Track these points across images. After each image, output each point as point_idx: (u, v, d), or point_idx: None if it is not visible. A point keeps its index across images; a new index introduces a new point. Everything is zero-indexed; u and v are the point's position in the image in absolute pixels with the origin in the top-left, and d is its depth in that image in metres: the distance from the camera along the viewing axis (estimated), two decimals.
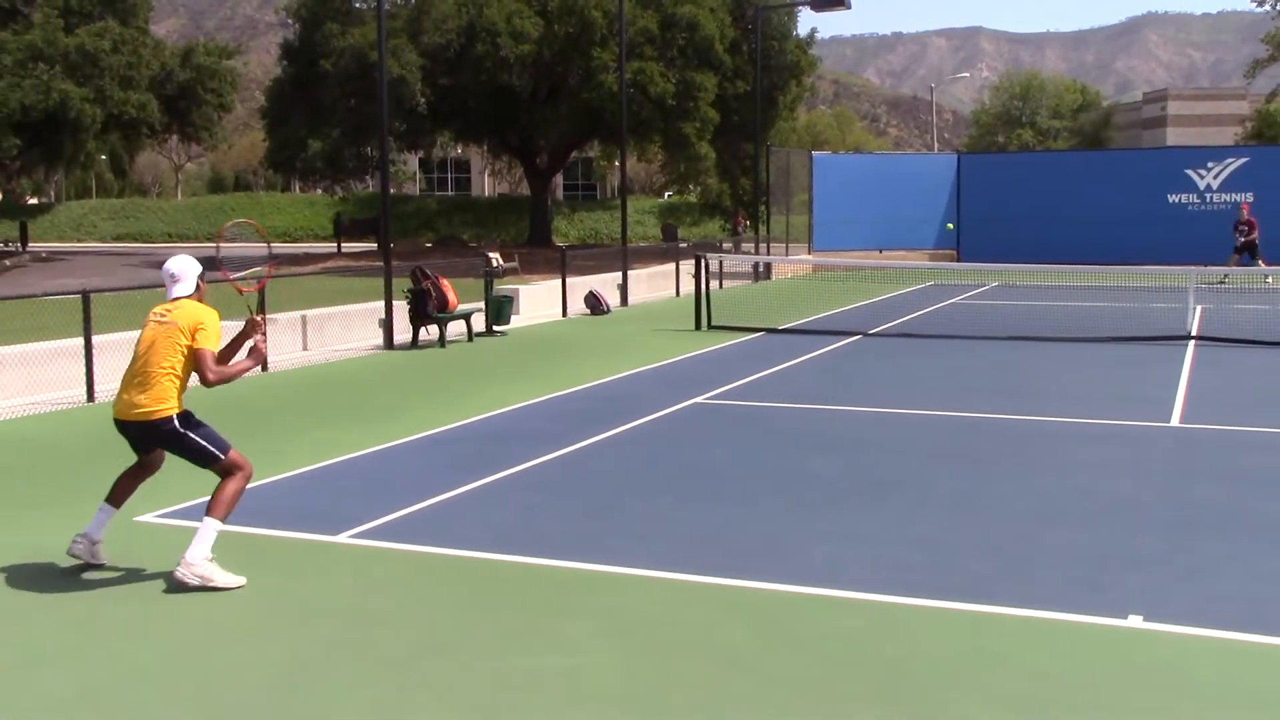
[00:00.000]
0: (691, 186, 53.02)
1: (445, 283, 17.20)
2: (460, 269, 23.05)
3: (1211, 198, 33.74)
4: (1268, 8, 49.58)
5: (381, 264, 17.73)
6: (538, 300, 22.13)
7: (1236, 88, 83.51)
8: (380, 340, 17.13)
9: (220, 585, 6.10)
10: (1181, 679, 4.95)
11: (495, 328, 18.60)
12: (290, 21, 45.26)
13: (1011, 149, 73.49)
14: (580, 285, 22.82)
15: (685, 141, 40.85)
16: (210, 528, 6.16)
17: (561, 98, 41.91)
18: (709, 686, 4.90)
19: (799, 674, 5.01)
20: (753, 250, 33.57)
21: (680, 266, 26.52)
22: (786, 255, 32.77)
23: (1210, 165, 34.07)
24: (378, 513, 7.53)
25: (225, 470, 6.29)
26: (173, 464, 6.60)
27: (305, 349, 16.52)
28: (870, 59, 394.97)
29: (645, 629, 5.56)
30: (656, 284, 27.37)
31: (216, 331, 6.29)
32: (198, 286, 6.43)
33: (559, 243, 46.92)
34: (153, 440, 6.34)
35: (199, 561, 6.10)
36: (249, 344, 6.47)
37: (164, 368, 6.17)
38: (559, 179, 64.53)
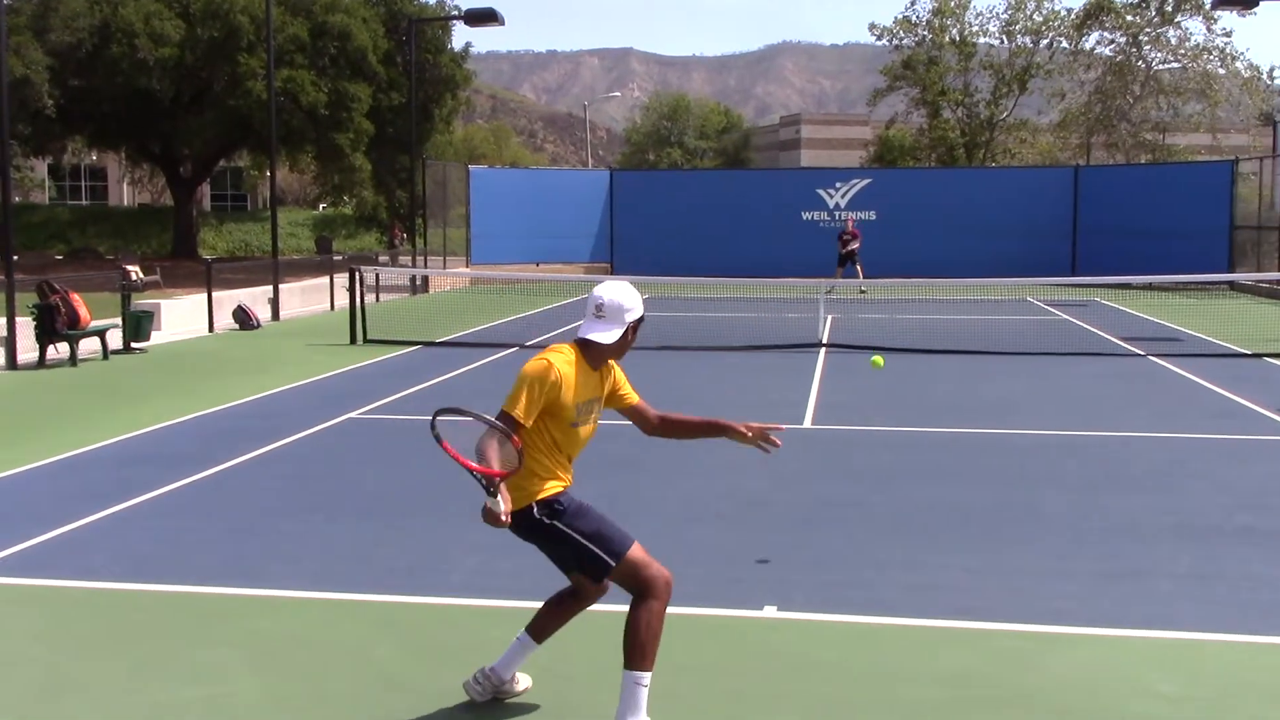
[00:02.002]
0: (346, 198, 51.90)
1: (76, 297, 16.07)
2: (96, 283, 21.61)
3: (841, 215, 36.29)
4: (885, 41, 53.88)
5: (3, 277, 16.36)
6: (182, 315, 21.04)
7: (861, 114, 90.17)
8: (2, 360, 15.81)
9: None
10: (813, 662, 5.31)
11: (134, 345, 17.54)
12: None
13: (662, 167, 76.35)
14: (229, 299, 21.89)
15: (339, 152, 40.01)
16: (640, 687, 4.51)
17: (206, 104, 40.08)
18: (357, 705, 4.83)
19: (448, 687, 5.02)
20: (410, 263, 33.28)
21: (335, 279, 25.94)
22: (444, 268, 32.68)
23: (839, 185, 36.70)
24: (0, 546, 6.96)
25: (637, 582, 4.63)
26: None
27: None
28: (526, 75, 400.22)
29: (294, 651, 5.42)
30: (310, 297, 26.64)
31: (520, 389, 4.61)
32: (624, 338, 4.72)
33: (205, 255, 44.80)
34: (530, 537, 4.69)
35: None
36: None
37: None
38: (205, 189, 61.56)
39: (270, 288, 23.46)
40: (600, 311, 4.65)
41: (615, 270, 35.47)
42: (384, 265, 31.52)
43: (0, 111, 16.79)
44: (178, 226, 47.51)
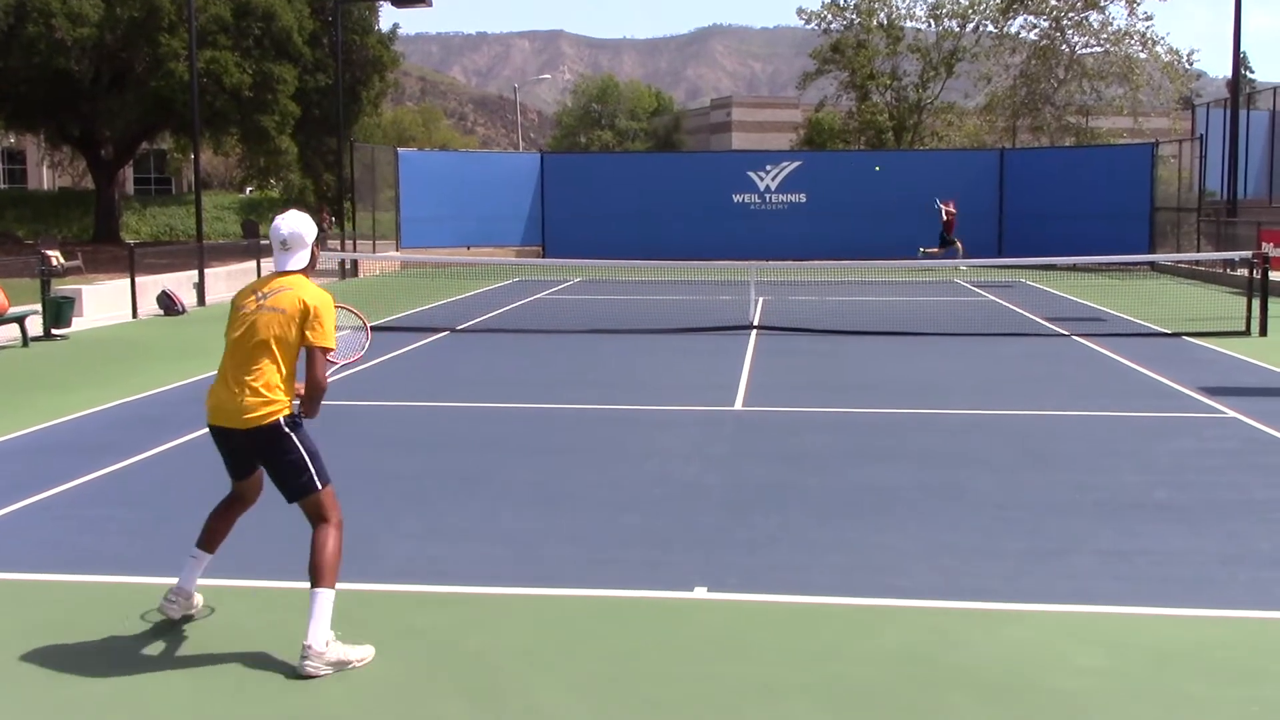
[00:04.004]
0: (273, 182, 51.21)
1: None
2: (14, 269, 21.14)
3: (771, 198, 36.46)
4: (814, 25, 54.12)
5: None
6: (104, 301, 20.63)
7: (791, 97, 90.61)
8: None
9: (355, 662, 4.99)
10: (742, 643, 5.34)
11: (54, 331, 17.18)
12: None
13: (593, 149, 76.18)
14: (153, 284, 21.49)
15: (264, 135, 39.41)
16: (326, 601, 5.01)
17: (127, 86, 39.24)
18: (284, 694, 4.78)
19: (383, 673, 4.98)
20: (339, 247, 32.91)
21: (262, 264, 25.56)
22: (374, 252, 32.35)
23: (769, 168, 36.85)
24: None
25: (319, 511, 5.22)
26: None
27: None
28: (456, 57, 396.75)
29: (221, 641, 5.34)
30: (237, 282, 26.19)
31: (333, 323, 5.28)
32: (312, 256, 5.32)
33: (129, 239, 43.93)
34: (251, 453, 5.26)
35: (330, 645, 4.94)
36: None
37: (274, 362, 5.14)
38: (128, 172, 60.33)
39: (195, 273, 23.08)
40: (286, 245, 5.26)
41: (547, 253, 35.34)
42: None
43: None
44: (99, 210, 46.54)
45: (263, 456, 5.28)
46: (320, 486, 5.25)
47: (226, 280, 25.74)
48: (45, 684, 4.89)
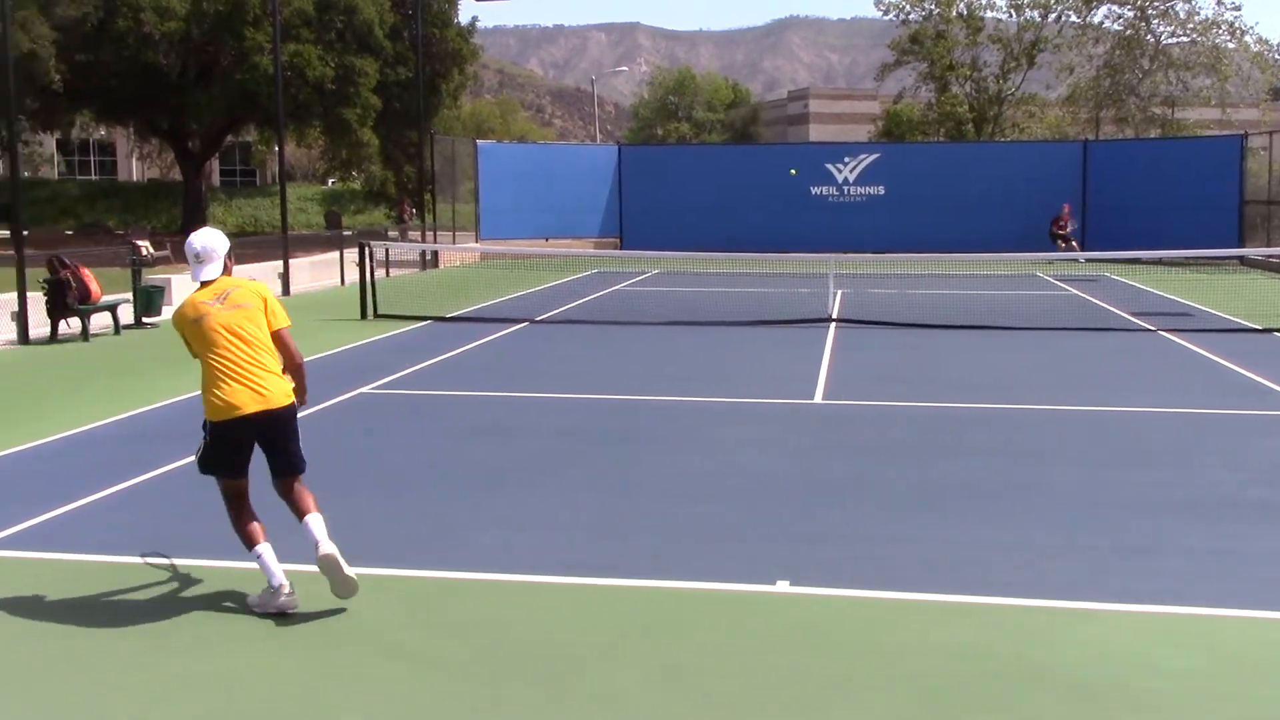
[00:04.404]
0: (355, 173, 51.87)
1: (86, 272, 16.12)
2: (106, 258, 21.61)
3: (849, 190, 36.17)
4: (892, 16, 53.53)
5: (13, 252, 16.38)
6: (192, 290, 21.03)
7: (869, 89, 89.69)
8: (14, 334, 15.85)
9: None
10: (823, 638, 5.33)
11: (145, 319, 17.59)
12: None
13: (670, 141, 76.14)
14: (239, 274, 21.85)
15: (346, 127, 39.91)
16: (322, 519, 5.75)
17: (213, 79, 39.97)
18: (370, 679, 4.86)
19: (463, 660, 5.05)
20: (419, 238, 33.25)
21: (345, 255, 25.91)
22: (454, 243, 32.64)
23: (847, 160, 36.53)
24: (9, 522, 6.99)
25: (299, 481, 5.92)
26: None
27: None
28: (533, 50, 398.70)
29: (306, 624, 5.45)
30: (320, 273, 26.64)
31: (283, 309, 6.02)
32: (226, 266, 5.98)
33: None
34: (281, 433, 5.78)
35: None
36: None
37: (270, 350, 5.79)
38: (215, 164, 61.48)
39: (280, 263, 23.47)
40: (200, 258, 5.92)
41: (625, 245, 35.38)
42: (394, 241, 31.49)
43: (7, 86, 16.79)
44: (187, 201, 47.50)
45: (279, 435, 5.77)
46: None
47: (310, 270, 26.14)
48: (138, 662, 5.02)
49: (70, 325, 16.13)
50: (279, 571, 5.59)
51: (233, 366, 5.65)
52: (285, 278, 23.31)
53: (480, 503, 7.56)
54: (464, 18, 44.93)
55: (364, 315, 18.36)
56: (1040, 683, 4.81)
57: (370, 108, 39.88)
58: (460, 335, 16.22)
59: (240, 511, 5.77)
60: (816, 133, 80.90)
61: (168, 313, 18.78)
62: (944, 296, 22.14)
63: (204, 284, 5.88)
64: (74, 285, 15.87)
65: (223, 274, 5.91)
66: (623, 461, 8.76)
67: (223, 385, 5.65)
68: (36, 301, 15.98)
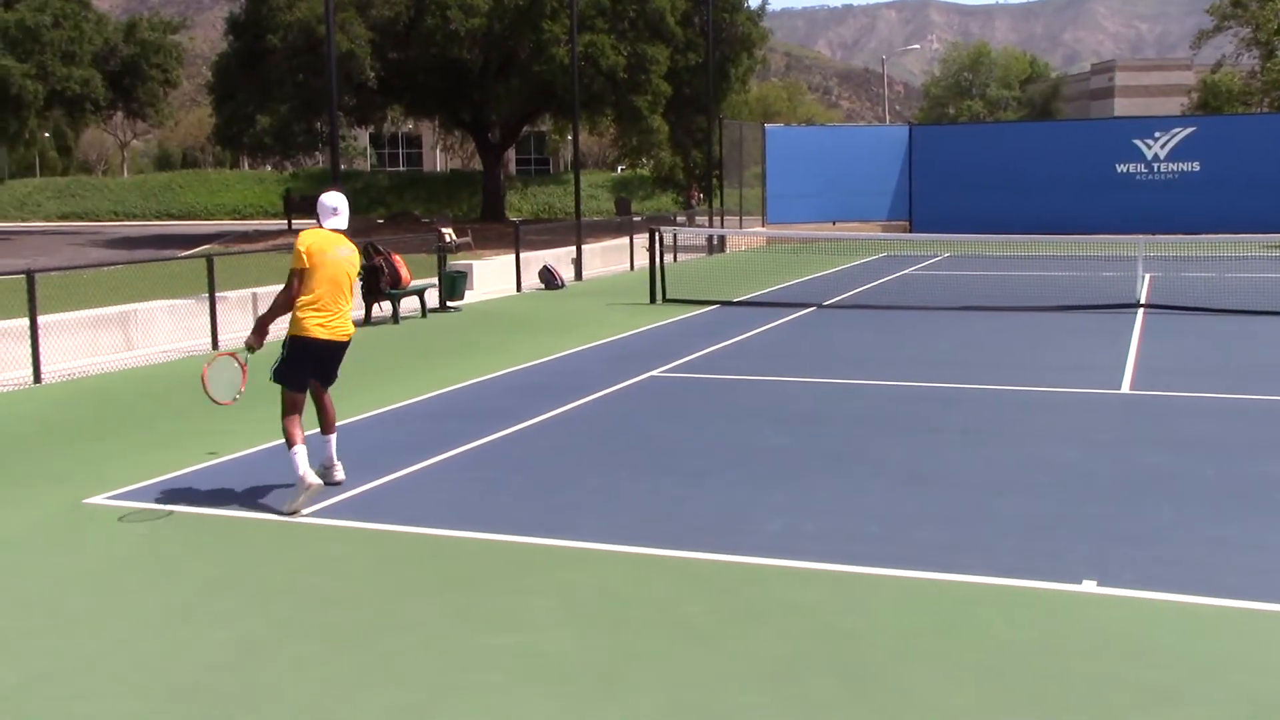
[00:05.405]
0: (644, 160, 52.81)
1: (398, 259, 17.06)
2: (413, 245, 22.83)
3: (1159, 167, 34.09)
4: None
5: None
6: (492, 275, 22.00)
7: (1182, 58, 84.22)
8: None
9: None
10: (1136, 643, 5.00)
11: (449, 304, 18.48)
12: None
13: (962, 120, 73.88)
14: (534, 260, 22.71)
15: (637, 115, 40.68)
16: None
17: (513, 71, 41.59)
18: (666, 661, 4.89)
19: (757, 647, 5.01)
20: (706, 223, 33.54)
21: (634, 240, 26.45)
22: (740, 228, 32.76)
23: (1158, 135, 34.42)
24: (334, 491, 7.46)
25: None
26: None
27: None
28: (821, 31, 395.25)
29: (601, 604, 5.54)
30: (610, 258, 27.30)
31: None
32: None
33: (512, 217, 46.65)
34: (339, 358, 7.56)
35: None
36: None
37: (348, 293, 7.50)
38: (511, 153, 64.06)
39: (573, 248, 24.16)
40: (337, 212, 7.49)
41: (915, 228, 34.56)
42: (682, 226, 31.89)
43: (331, 84, 17.96)
44: (486, 190, 49.67)
45: (339, 358, 7.57)
46: None
47: (601, 256, 26.83)
48: (446, 630, 5.23)
49: (382, 309, 17.12)
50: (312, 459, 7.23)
51: (327, 302, 7.26)
52: (578, 263, 23.98)
53: (770, 488, 7.51)
54: (753, 1, 44.89)
55: (653, 299, 18.65)
56: None
57: (660, 94, 40.50)
58: (748, 319, 16.24)
59: (294, 417, 7.21)
60: (1122, 107, 76.69)
61: (469, 297, 19.68)
62: (1266, 280, 20.52)
63: (333, 230, 7.43)
64: (387, 271, 16.82)
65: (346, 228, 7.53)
66: (916, 450, 8.51)
67: (319, 319, 7.23)
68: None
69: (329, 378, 7.58)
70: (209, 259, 14.68)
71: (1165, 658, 4.84)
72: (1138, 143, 34.35)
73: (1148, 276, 19.08)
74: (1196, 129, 34.79)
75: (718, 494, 7.41)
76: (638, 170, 60.30)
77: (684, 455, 8.47)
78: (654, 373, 11.97)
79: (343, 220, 7.49)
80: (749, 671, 4.77)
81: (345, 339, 7.44)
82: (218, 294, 14.55)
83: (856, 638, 5.08)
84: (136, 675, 4.81)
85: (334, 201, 7.48)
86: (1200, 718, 4.31)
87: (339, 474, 7.61)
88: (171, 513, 7.07)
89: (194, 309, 15.01)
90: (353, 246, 7.54)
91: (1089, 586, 5.63)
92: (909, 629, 5.17)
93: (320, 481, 7.13)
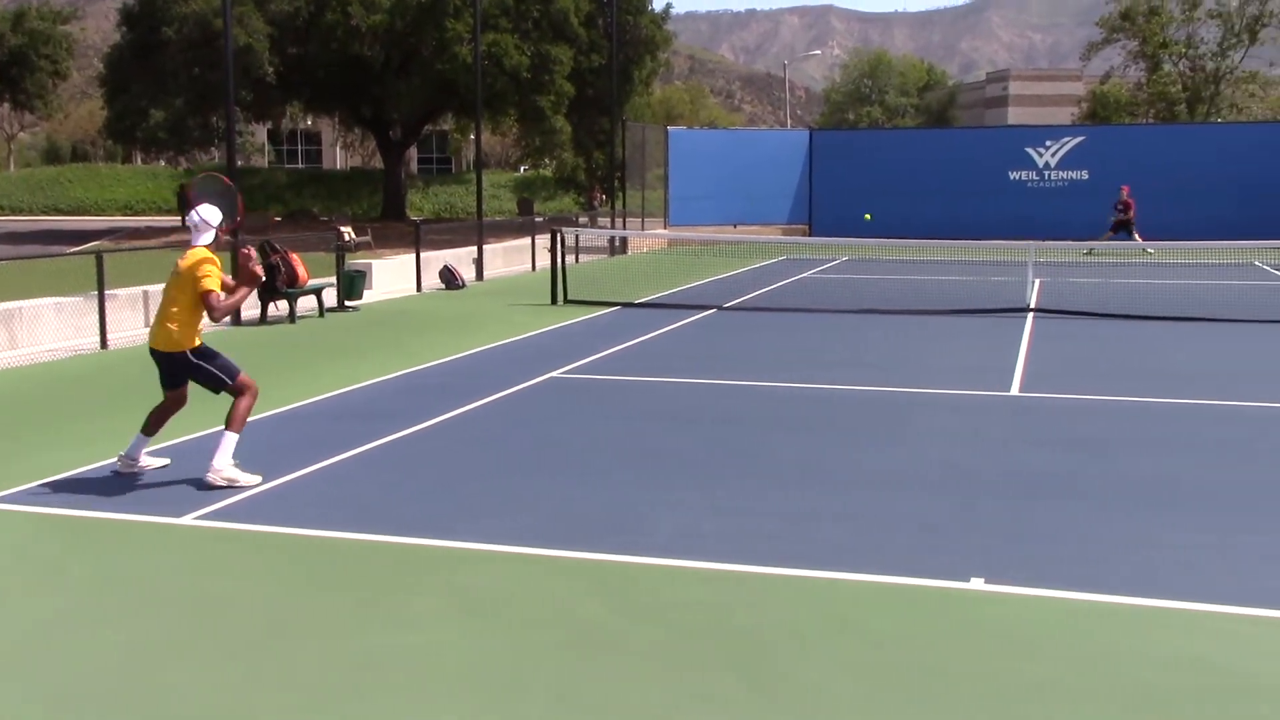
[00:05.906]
0: (547, 161, 52.76)
1: (295, 257, 16.80)
2: (311, 243, 22.51)
3: (1050, 175, 34.97)
4: None
5: (229, 238, 17.17)
6: (391, 275, 21.78)
7: (1073, 69, 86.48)
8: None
9: (244, 484, 7.41)
10: (1023, 640, 5.12)
11: (347, 303, 18.25)
12: None
13: (862, 126, 74.99)
14: (435, 260, 22.53)
15: (540, 115, 40.63)
16: (231, 440, 7.48)
17: (415, 69, 41.24)
18: (564, 661, 4.89)
19: (654, 645, 5.04)
20: (608, 225, 33.60)
21: (536, 241, 26.39)
22: (642, 230, 32.88)
23: (1049, 144, 35.31)
24: (223, 494, 7.32)
25: (236, 391, 7.62)
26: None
27: (147, 325, 15.95)
28: (725, 35, 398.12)
29: (496, 605, 5.52)
30: (512, 258, 27.21)
31: (217, 274, 7.54)
32: (215, 237, 7.72)
33: (413, 216, 46.24)
34: (177, 370, 7.67)
35: (225, 467, 7.41)
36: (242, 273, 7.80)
37: (176, 309, 7.53)
38: (413, 152, 63.51)
39: (475, 249, 24.03)
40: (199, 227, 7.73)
41: (814, 231, 35.01)
42: (584, 227, 31.89)
43: (227, 79, 17.62)
44: (387, 188, 49.21)
45: (165, 368, 7.86)
46: None
47: (503, 256, 26.72)
48: (340, 632, 5.17)
49: (279, 308, 16.85)
50: (130, 448, 7.81)
51: (158, 313, 7.66)
52: (479, 263, 23.86)
53: (667, 488, 7.56)
54: (657, 4, 45.12)
55: (554, 300, 18.63)
56: (1259, 697, 4.52)
57: (564, 95, 40.49)
58: (649, 321, 16.30)
59: (154, 410, 7.88)
60: (1016, 116, 78.50)
61: (368, 297, 19.46)
62: (1149, 286, 21.18)
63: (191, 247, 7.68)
64: (283, 270, 16.56)
65: (210, 243, 7.75)
66: (813, 451, 8.63)
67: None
68: None
69: (167, 384, 7.87)
70: (99, 255, 14.32)
71: (1051, 653, 4.97)
72: (1030, 151, 35.21)
73: (1037, 281, 19.56)
74: (1085, 138, 35.78)
75: (616, 494, 7.43)
76: (540, 171, 60.23)
77: (583, 456, 8.48)
78: (554, 374, 11.96)
79: (203, 235, 7.75)
80: (646, 669, 4.79)
81: (156, 347, 7.73)
82: (107, 291, 14.21)
83: (750, 634, 5.14)
84: (13, 684, 4.68)
85: (192, 219, 7.82)
86: (1086, 712, 4.43)
87: (147, 467, 7.93)
88: (55, 514, 6.89)
89: (82, 307, 14.63)
90: (189, 259, 7.63)
91: (977, 584, 5.76)
92: (803, 626, 5.24)
93: (241, 476, 7.52)
